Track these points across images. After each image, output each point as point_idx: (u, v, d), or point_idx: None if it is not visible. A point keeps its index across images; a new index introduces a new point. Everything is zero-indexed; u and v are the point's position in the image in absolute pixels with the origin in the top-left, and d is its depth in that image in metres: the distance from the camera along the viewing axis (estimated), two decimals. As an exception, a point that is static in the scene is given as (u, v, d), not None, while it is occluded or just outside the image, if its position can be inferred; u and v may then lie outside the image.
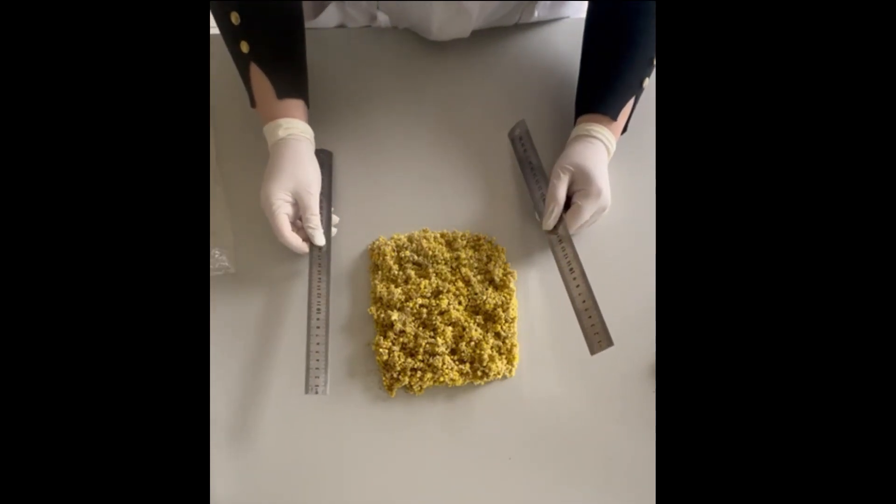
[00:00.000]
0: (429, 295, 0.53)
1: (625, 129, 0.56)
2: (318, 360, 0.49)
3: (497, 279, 0.54)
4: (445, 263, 0.55)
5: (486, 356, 0.51)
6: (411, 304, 0.53)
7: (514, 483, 0.50)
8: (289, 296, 0.55)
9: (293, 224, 0.53)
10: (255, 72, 0.53)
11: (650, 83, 0.55)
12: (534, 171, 0.57)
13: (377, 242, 0.57)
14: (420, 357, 0.51)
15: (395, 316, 0.52)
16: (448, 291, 0.53)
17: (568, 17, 0.68)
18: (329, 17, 0.66)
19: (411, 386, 0.52)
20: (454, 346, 0.52)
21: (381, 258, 0.55)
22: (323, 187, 0.55)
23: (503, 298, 0.53)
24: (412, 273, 0.54)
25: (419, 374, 0.51)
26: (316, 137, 0.56)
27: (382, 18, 0.65)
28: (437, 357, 0.51)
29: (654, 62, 0.54)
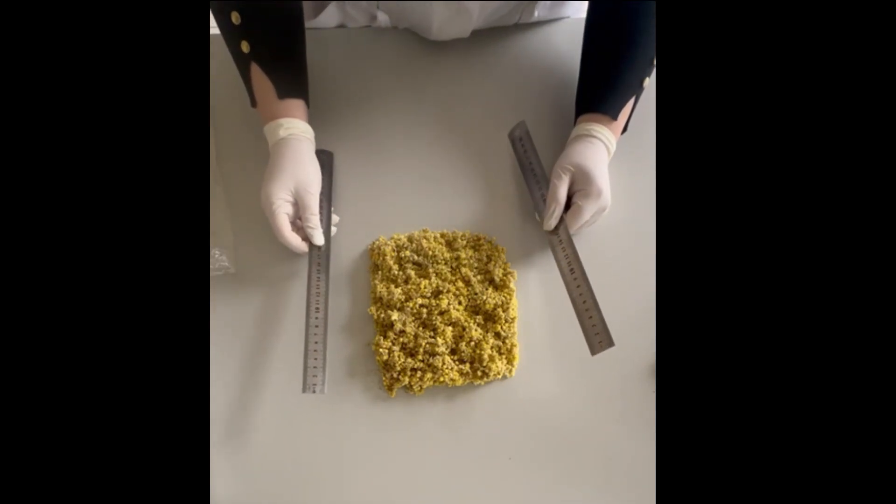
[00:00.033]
0: (429, 295, 0.53)
1: (625, 129, 0.56)
2: (316, 360, 0.49)
3: (497, 279, 0.54)
4: (445, 263, 0.55)
5: (486, 356, 0.51)
6: (411, 304, 0.53)
7: (514, 483, 0.50)
8: (288, 295, 0.55)
9: (293, 224, 0.53)
10: (256, 72, 0.53)
11: (650, 83, 0.55)
12: (534, 172, 0.57)
13: (377, 242, 0.57)
14: (420, 357, 0.51)
15: (395, 316, 0.52)
16: (448, 291, 0.53)
17: (568, 17, 0.68)
18: (329, 16, 0.66)
19: (411, 386, 0.52)
20: (454, 346, 0.52)
21: (381, 258, 0.55)
22: (323, 187, 0.55)
23: (503, 298, 0.53)
24: (412, 273, 0.54)
25: (419, 374, 0.51)
26: (316, 137, 0.56)
27: (382, 18, 0.65)
28: (437, 357, 0.51)
29: (655, 62, 0.54)
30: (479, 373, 0.52)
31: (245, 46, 0.52)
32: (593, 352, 0.47)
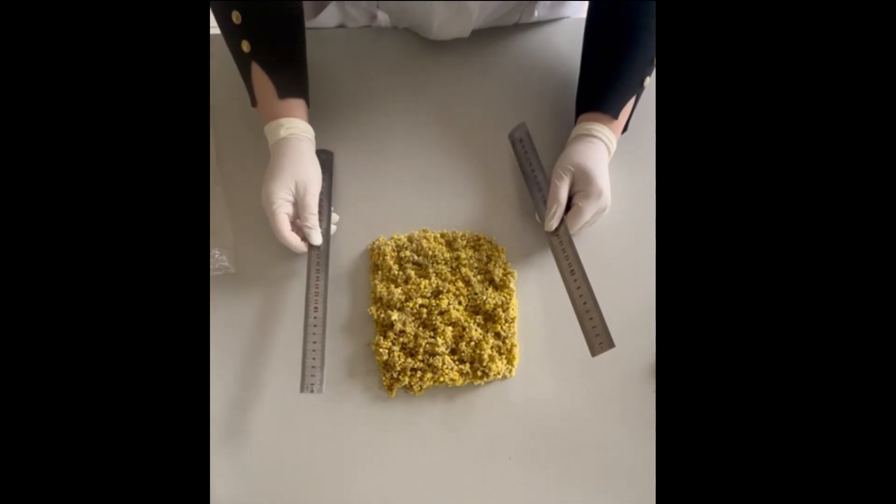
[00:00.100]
0: (429, 295, 0.53)
1: (625, 129, 0.56)
2: (314, 359, 0.49)
3: (497, 279, 0.54)
4: (445, 263, 0.55)
5: (486, 356, 0.51)
6: (411, 304, 0.53)
7: (514, 483, 0.50)
8: (288, 295, 0.55)
9: (293, 224, 0.53)
10: (257, 71, 0.53)
11: (651, 82, 0.55)
12: (534, 174, 0.57)
13: (377, 242, 0.57)
14: (420, 357, 0.51)
15: (395, 316, 0.52)
16: (448, 291, 0.53)
17: (568, 17, 0.68)
18: (329, 16, 0.66)
19: (411, 386, 0.52)
20: (454, 346, 0.52)
21: (381, 258, 0.55)
22: (323, 187, 0.55)
23: (503, 298, 0.53)
24: (412, 273, 0.54)
25: (419, 374, 0.51)
26: (316, 137, 0.56)
27: (382, 18, 0.65)
28: (437, 357, 0.51)
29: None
30: (479, 373, 0.52)
31: (245, 46, 0.52)
32: (594, 353, 0.47)
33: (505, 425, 0.52)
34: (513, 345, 0.52)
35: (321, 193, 0.55)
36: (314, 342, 0.50)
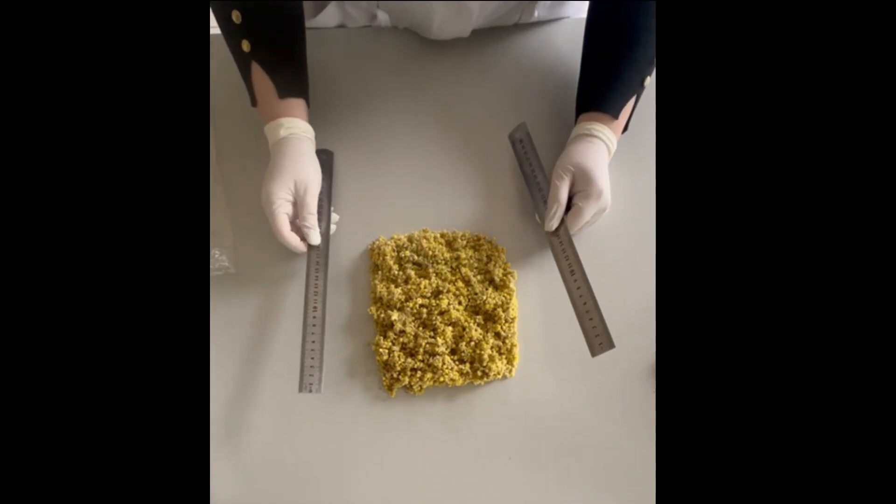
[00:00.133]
0: (429, 295, 0.53)
1: (625, 129, 0.56)
2: (313, 359, 0.49)
3: (497, 279, 0.54)
4: (445, 263, 0.55)
5: (486, 356, 0.51)
6: (411, 304, 0.53)
7: (514, 483, 0.50)
8: (289, 296, 0.55)
9: (292, 224, 0.53)
10: (257, 71, 0.53)
11: (651, 82, 0.55)
12: (534, 174, 0.57)
13: (377, 242, 0.57)
14: (420, 357, 0.51)
15: (395, 316, 0.52)
16: (448, 291, 0.53)
17: (568, 17, 0.68)
18: (329, 16, 0.66)
19: (411, 386, 0.52)
20: (454, 346, 0.52)
21: (381, 258, 0.55)
22: (323, 187, 0.55)
23: (503, 298, 0.53)
24: (412, 273, 0.54)
25: (419, 374, 0.51)
26: (316, 137, 0.56)
27: (382, 18, 0.65)
28: (437, 357, 0.51)
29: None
30: (479, 373, 0.52)
31: (246, 45, 0.52)
32: (594, 353, 0.47)
33: (505, 425, 0.52)
34: (513, 345, 0.52)
35: (321, 193, 0.55)
36: (313, 342, 0.50)
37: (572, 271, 0.51)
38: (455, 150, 0.61)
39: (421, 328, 0.52)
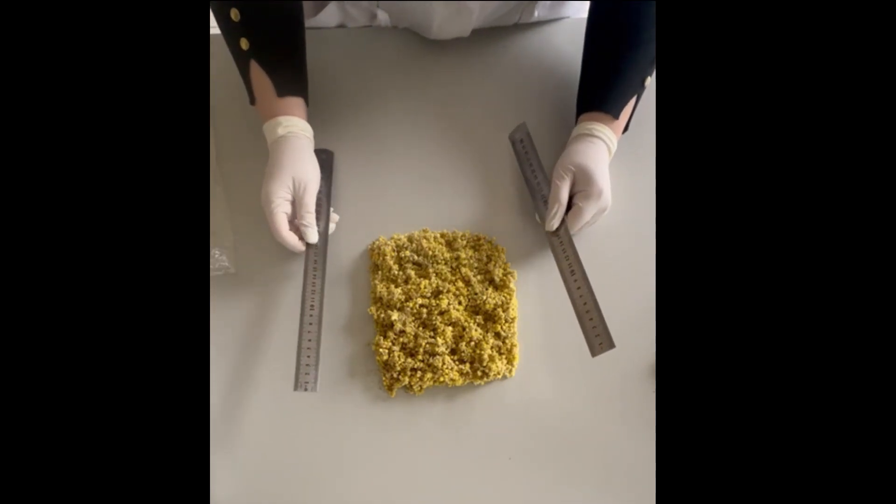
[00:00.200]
0: (429, 295, 0.53)
1: (626, 129, 0.56)
2: (308, 357, 0.49)
3: (497, 279, 0.54)
4: (445, 263, 0.55)
5: (486, 356, 0.51)
6: (411, 304, 0.53)
7: (514, 483, 0.50)
8: (288, 296, 0.55)
9: (291, 223, 0.53)
10: (255, 69, 0.53)
11: (651, 82, 0.55)
12: (534, 175, 0.57)
13: (377, 242, 0.57)
14: (420, 357, 0.51)
15: (395, 316, 0.52)
16: (448, 291, 0.53)
17: (568, 17, 0.68)
18: (329, 16, 0.66)
19: (411, 386, 0.52)
20: (454, 346, 0.52)
21: (381, 258, 0.55)
22: (323, 187, 0.55)
23: (503, 298, 0.53)
24: (412, 273, 0.54)
25: (419, 374, 0.51)
26: (316, 137, 0.56)
27: (382, 17, 0.65)
28: (437, 357, 0.51)
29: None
30: (479, 373, 0.52)
31: (244, 43, 0.52)
32: (594, 353, 0.47)
33: (505, 425, 0.52)
34: (513, 345, 0.52)
35: (320, 192, 0.54)
36: (309, 340, 0.50)
37: (572, 271, 0.51)
38: (455, 150, 0.61)
39: (421, 328, 0.52)
